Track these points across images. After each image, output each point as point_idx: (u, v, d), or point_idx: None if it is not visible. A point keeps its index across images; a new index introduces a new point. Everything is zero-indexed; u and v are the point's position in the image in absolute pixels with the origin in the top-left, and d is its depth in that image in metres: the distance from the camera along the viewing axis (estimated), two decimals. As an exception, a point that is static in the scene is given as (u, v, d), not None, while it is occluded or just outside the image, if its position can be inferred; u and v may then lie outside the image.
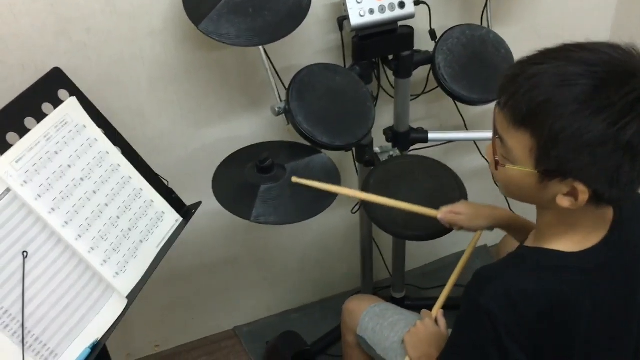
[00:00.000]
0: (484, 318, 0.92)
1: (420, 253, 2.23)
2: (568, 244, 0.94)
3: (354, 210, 1.81)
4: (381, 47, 1.52)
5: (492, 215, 1.30)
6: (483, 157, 1.82)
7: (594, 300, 0.94)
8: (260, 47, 1.41)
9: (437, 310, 1.31)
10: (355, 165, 1.73)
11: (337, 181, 1.35)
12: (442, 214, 1.28)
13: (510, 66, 0.90)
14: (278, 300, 2.14)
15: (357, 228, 1.99)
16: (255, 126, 1.68)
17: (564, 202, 0.88)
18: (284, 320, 2.13)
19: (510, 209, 2.01)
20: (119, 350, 1.96)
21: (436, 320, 1.30)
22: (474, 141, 1.82)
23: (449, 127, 1.83)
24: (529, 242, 1.01)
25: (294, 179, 1.30)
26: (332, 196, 1.31)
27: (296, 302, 2.17)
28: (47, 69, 1.38)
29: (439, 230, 1.35)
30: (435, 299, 2.13)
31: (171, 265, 1.73)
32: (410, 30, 1.52)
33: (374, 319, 1.39)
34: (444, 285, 2.16)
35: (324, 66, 1.46)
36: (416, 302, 2.01)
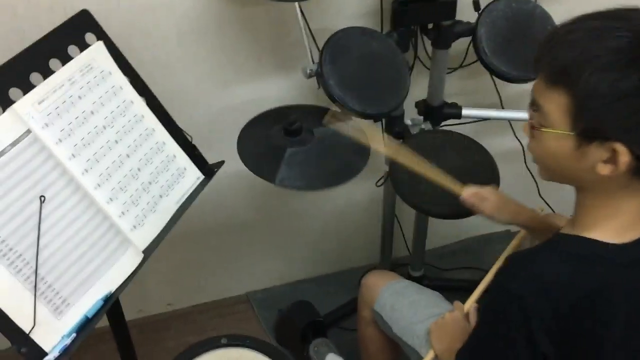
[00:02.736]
0: (514, 305, 0.87)
1: (441, 233, 2.18)
2: (607, 232, 0.88)
3: (378, 184, 1.76)
4: (421, 15, 1.46)
5: (517, 212, 1.24)
6: (517, 138, 1.76)
7: (628, 297, 0.88)
8: (297, 4, 1.35)
9: (470, 304, 1.24)
10: (383, 137, 1.68)
11: (366, 151, 1.30)
12: (467, 194, 1.22)
13: (547, 32, 0.87)
14: (293, 269, 2.11)
15: (379, 202, 1.94)
16: (284, 89, 1.64)
17: (604, 169, 0.82)
18: (298, 289, 2.10)
19: (540, 196, 1.96)
20: (131, 305, 1.95)
21: (467, 316, 1.23)
22: (509, 121, 1.75)
23: (483, 105, 1.76)
24: (566, 230, 0.95)
25: (328, 117, 1.21)
26: (361, 164, 1.26)
27: (311, 273, 2.13)
28: (76, 12, 1.35)
29: (464, 210, 1.30)
30: (454, 280, 2.10)
31: (187, 225, 1.69)
32: (452, -1, 1.45)
33: (393, 296, 1.35)
34: (464, 268, 2.15)
35: (361, 30, 1.40)
36: (435, 282, 1.97)
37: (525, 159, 1.82)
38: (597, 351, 0.90)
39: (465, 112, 1.61)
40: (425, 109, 1.62)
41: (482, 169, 1.39)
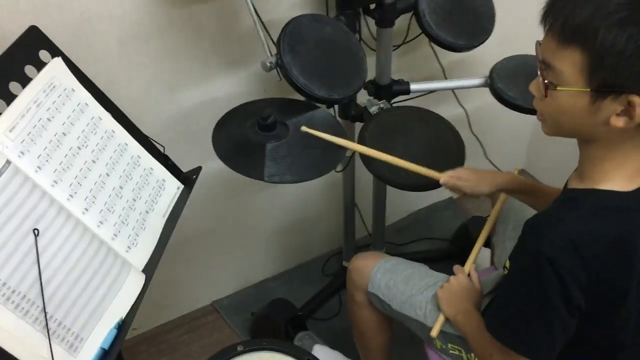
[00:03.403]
0: (546, 267, 0.89)
1: (391, 210, 2.22)
2: (619, 181, 0.92)
3: (338, 169, 1.77)
4: (365, -5, 1.47)
5: (494, 180, 1.29)
6: (460, 105, 1.82)
7: None
8: (248, -1, 1.32)
9: (470, 265, 1.28)
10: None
11: (342, 134, 1.30)
12: (445, 178, 1.27)
13: None
14: (255, 270, 2.08)
15: (336, 189, 1.95)
16: (232, 87, 1.60)
17: (618, 122, 0.85)
18: (263, 290, 2.07)
19: (487, 158, 2.04)
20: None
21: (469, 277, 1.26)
22: (452, 90, 1.81)
23: (422, 78, 1.81)
24: (575, 184, 0.98)
25: (304, 128, 1.23)
26: (342, 148, 1.26)
27: (274, 271, 2.11)
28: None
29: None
30: (415, 253, 2.16)
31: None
32: (393, -23, 1.47)
33: (386, 275, 1.36)
34: (419, 240, 2.21)
35: (312, 17, 1.39)
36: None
37: (469, 124, 1.89)
38: (623, 295, 0.94)
39: (413, 87, 1.64)
40: (375, 88, 1.63)
41: (446, 137, 1.42)
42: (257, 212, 1.93)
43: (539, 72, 0.91)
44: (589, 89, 0.85)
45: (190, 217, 1.77)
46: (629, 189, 0.91)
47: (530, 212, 1.30)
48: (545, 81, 0.89)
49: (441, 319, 1.22)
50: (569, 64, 0.85)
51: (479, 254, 1.88)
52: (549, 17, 0.87)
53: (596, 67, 0.83)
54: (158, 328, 1.97)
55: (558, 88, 0.88)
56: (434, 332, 1.23)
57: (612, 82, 0.83)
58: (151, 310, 1.92)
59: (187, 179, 1.25)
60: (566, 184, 1.03)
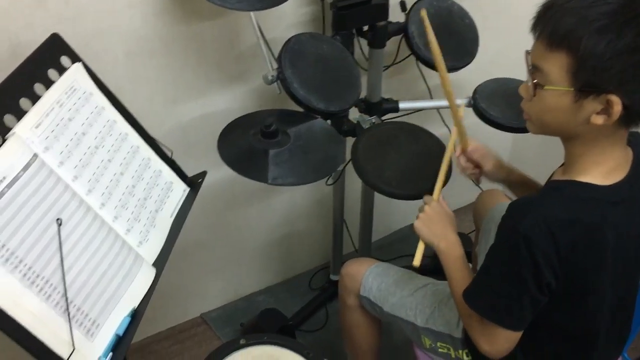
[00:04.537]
0: (521, 244, 0.98)
1: (375, 228, 2.30)
2: (597, 176, 1.02)
3: (328, 182, 1.85)
4: (359, 18, 1.57)
5: (509, 173, 1.36)
6: (445, 124, 1.92)
7: (617, 232, 1.02)
8: (253, 16, 1.41)
9: (438, 193, 1.31)
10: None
11: (342, 145, 1.39)
12: (472, 148, 1.34)
13: (542, 3, 0.98)
14: (243, 283, 2.12)
15: (324, 203, 2.03)
16: (229, 102, 1.68)
17: (598, 119, 0.95)
18: (252, 303, 2.11)
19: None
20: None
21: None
22: (437, 110, 1.91)
23: (413, 98, 1.90)
24: (558, 176, 1.09)
25: (423, 13, 1.26)
26: (340, 153, 1.34)
27: (261, 284, 2.16)
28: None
29: (431, 188, 1.41)
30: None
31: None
32: (385, 1, 1.58)
33: (377, 278, 1.43)
34: (402, 256, 2.28)
35: (311, 35, 1.49)
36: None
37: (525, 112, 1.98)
38: (592, 280, 1.05)
39: (402, 105, 1.75)
40: (366, 106, 1.73)
41: (435, 150, 1.51)
42: (246, 227, 1.98)
43: (527, 77, 1.01)
44: (572, 89, 0.95)
45: (183, 230, 1.82)
46: (606, 183, 1.02)
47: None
48: (535, 81, 0.99)
49: (421, 246, 1.25)
50: (556, 66, 0.95)
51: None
52: (538, 25, 0.98)
53: (580, 69, 0.93)
54: (148, 339, 1.99)
55: (545, 87, 0.98)
56: (416, 261, 1.25)
57: (593, 83, 0.93)
58: (142, 321, 1.95)
59: (193, 182, 1.31)
60: (550, 177, 1.13)
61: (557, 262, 1.00)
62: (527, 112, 1.06)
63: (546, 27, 0.96)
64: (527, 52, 1.01)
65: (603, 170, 1.02)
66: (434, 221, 1.26)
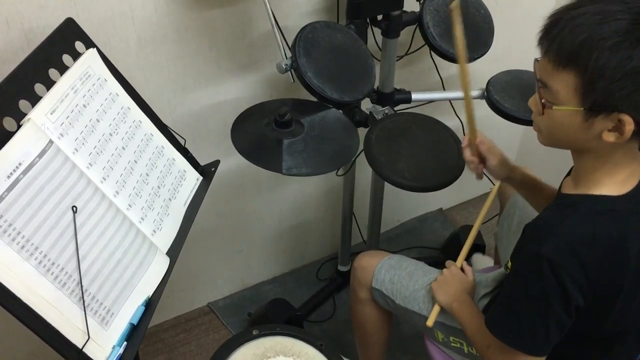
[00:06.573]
0: (546, 269, 0.94)
1: (383, 219, 2.29)
2: (611, 187, 0.98)
3: (339, 173, 1.83)
4: (374, 6, 1.55)
5: (513, 170, 1.33)
6: (457, 116, 1.91)
7: (637, 240, 0.98)
8: (267, 3, 1.39)
9: (461, 260, 1.35)
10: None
11: (356, 135, 1.37)
12: (480, 141, 1.30)
13: (549, 15, 0.94)
14: (251, 273, 2.12)
15: (333, 194, 2.02)
16: (240, 90, 1.66)
17: (609, 137, 0.92)
18: (259, 292, 2.11)
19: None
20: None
21: (462, 270, 1.33)
22: (450, 101, 1.89)
23: (425, 88, 1.89)
24: (569, 190, 1.05)
25: (454, 4, 1.19)
26: (355, 143, 1.33)
27: (268, 274, 2.15)
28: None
29: (444, 181, 1.40)
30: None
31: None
32: (400, -10, 1.56)
33: (390, 271, 1.42)
34: (410, 248, 2.28)
35: (325, 24, 1.47)
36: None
37: (464, 133, 1.97)
38: (617, 294, 1.01)
39: (414, 96, 1.73)
40: (378, 96, 1.71)
41: (448, 141, 1.50)
42: (254, 216, 1.98)
43: (536, 89, 0.98)
44: (582, 108, 0.91)
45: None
46: (621, 192, 0.98)
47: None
48: (543, 100, 0.96)
49: (436, 309, 1.28)
50: (564, 85, 0.92)
51: (473, 257, 1.96)
52: (545, 41, 0.93)
53: (589, 89, 0.89)
54: (155, 327, 1.99)
55: (554, 107, 0.95)
56: (430, 322, 1.29)
57: (603, 103, 0.89)
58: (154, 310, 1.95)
59: (206, 171, 1.30)
60: (560, 189, 1.10)
61: (585, 282, 0.96)
62: (537, 125, 1.03)
63: (553, 44, 0.91)
64: (536, 60, 0.97)
65: (617, 180, 0.99)
66: (448, 284, 1.30)
